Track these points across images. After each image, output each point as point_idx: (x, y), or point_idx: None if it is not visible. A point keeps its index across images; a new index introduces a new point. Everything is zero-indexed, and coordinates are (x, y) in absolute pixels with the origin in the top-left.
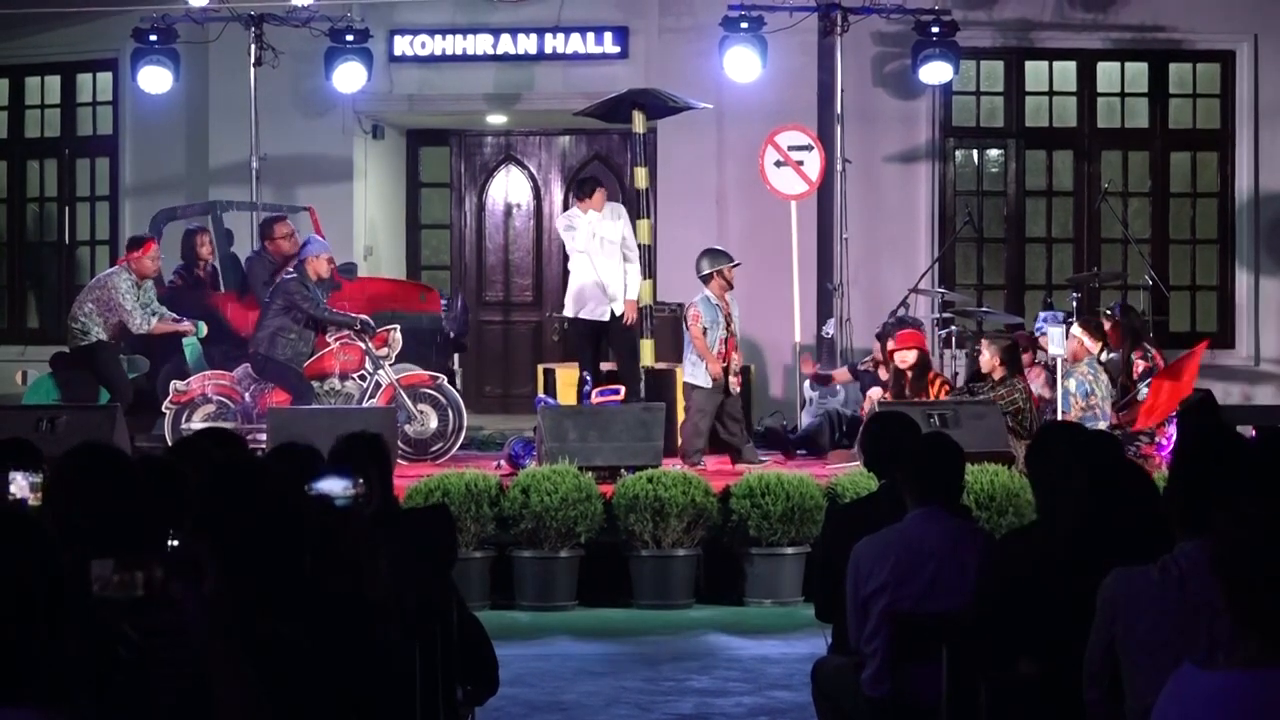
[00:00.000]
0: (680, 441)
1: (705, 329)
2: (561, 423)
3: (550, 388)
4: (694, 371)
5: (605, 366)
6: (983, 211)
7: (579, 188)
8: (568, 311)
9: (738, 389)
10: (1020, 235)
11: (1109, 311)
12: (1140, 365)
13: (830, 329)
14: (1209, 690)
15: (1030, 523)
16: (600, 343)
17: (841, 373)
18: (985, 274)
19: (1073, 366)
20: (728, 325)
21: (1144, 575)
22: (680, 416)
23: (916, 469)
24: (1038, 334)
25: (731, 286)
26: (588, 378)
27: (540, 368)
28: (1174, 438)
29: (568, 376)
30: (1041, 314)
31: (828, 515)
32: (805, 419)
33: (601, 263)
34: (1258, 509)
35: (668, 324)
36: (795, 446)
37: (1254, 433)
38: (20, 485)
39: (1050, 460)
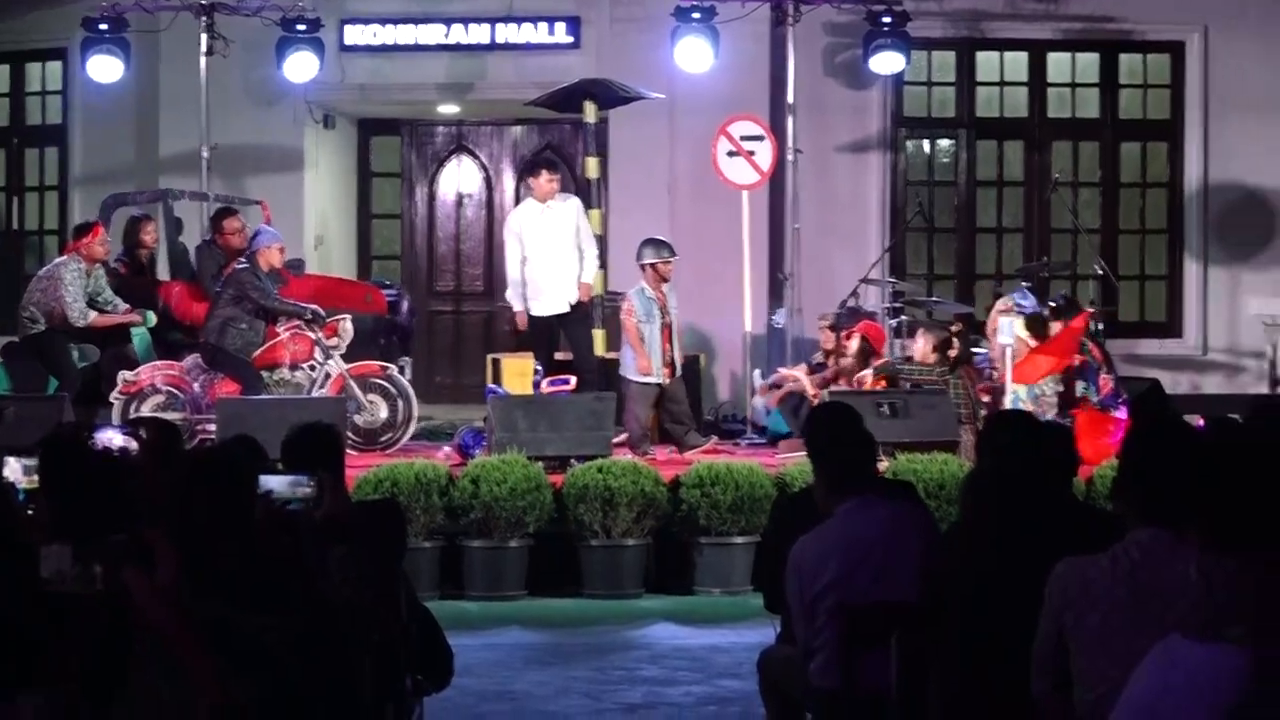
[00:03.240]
0: (626, 434)
1: (639, 322)
2: (512, 413)
3: (499, 377)
4: (628, 364)
5: (559, 356)
6: (933, 201)
7: (529, 168)
8: (517, 306)
9: (668, 379)
10: (971, 225)
11: (1053, 304)
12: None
13: (781, 319)
14: (1200, 660)
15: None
16: (556, 335)
17: (793, 373)
18: (936, 264)
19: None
20: (663, 316)
21: (1095, 564)
22: None
23: (834, 461)
24: (1019, 310)
25: (666, 279)
26: (539, 368)
27: (490, 358)
28: (1123, 422)
29: (517, 366)
30: (1018, 293)
31: (775, 505)
32: (759, 408)
33: (554, 257)
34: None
35: (619, 314)
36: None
37: (1201, 422)
38: (14, 469)
39: (998, 449)
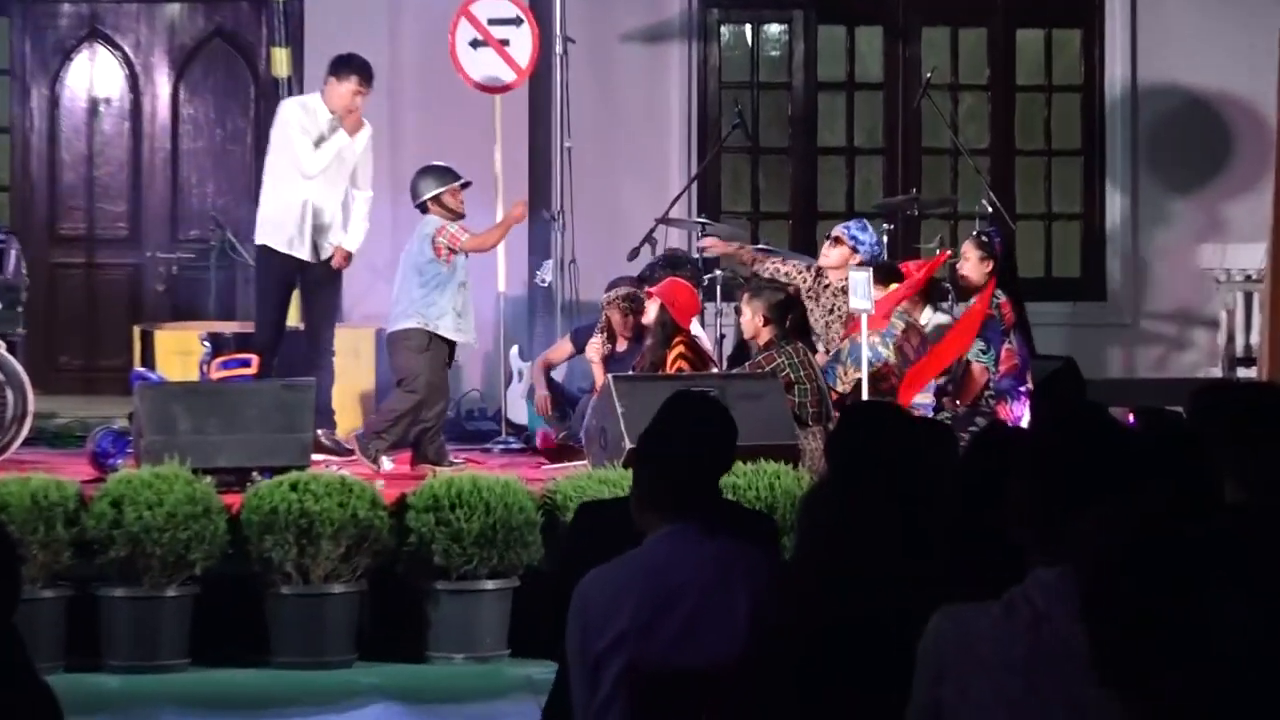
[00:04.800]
0: (362, 424)
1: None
2: (168, 407)
3: (150, 358)
4: (432, 316)
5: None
6: (759, 111)
7: (338, 65)
8: (261, 238)
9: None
10: (811, 144)
11: (985, 238)
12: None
13: (547, 274)
14: None
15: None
16: (292, 290)
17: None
18: (763, 198)
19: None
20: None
21: (983, 615)
22: (356, 383)
23: (670, 473)
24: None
25: (461, 215)
26: (207, 342)
27: (137, 329)
28: (1020, 420)
29: (174, 340)
30: (854, 223)
31: (578, 512)
32: (517, 399)
33: (332, 188)
34: (1127, 516)
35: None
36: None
37: (1132, 417)
38: None
39: (848, 457)
